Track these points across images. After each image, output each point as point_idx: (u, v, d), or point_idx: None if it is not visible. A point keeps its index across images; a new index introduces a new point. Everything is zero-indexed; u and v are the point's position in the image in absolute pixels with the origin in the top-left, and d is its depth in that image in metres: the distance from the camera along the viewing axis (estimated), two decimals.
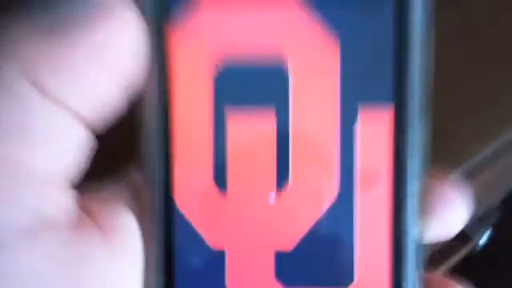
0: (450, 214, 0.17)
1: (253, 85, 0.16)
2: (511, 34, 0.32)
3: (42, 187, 0.14)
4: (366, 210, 0.16)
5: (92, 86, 0.14)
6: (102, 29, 0.14)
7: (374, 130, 0.16)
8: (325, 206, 0.16)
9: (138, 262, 0.16)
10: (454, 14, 0.31)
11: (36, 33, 0.13)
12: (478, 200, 0.18)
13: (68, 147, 0.14)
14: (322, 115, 0.16)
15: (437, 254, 0.45)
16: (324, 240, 0.16)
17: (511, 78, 0.31)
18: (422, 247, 0.16)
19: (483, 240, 0.53)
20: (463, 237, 0.50)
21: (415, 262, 0.16)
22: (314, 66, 0.16)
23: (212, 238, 0.16)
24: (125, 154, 0.16)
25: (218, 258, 0.16)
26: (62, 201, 0.15)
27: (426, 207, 0.16)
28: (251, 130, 0.16)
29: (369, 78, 0.15)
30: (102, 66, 0.14)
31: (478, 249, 0.53)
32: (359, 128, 0.16)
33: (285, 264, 0.16)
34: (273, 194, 0.16)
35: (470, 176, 0.29)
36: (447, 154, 0.28)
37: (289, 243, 0.16)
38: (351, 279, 0.16)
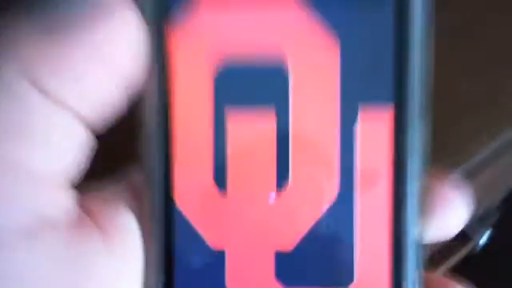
0: (450, 214, 0.17)
1: (253, 85, 0.16)
2: (511, 35, 0.32)
3: (41, 187, 0.14)
4: (366, 210, 0.16)
5: (92, 86, 0.14)
6: (101, 29, 0.14)
7: (374, 130, 0.16)
8: (325, 206, 0.16)
9: (137, 261, 0.16)
10: (454, 13, 0.31)
11: (35, 33, 0.13)
12: (478, 200, 0.18)
13: (68, 147, 0.14)
14: (321, 115, 0.16)
15: (437, 254, 0.45)
16: (324, 240, 0.16)
17: (511, 78, 0.31)
18: (421, 247, 0.16)
19: (483, 240, 0.53)
20: (463, 237, 0.50)
21: (415, 262, 0.16)
22: (314, 65, 0.16)
23: (212, 238, 0.16)
24: (125, 154, 0.16)
25: (218, 258, 0.16)
26: (61, 201, 0.15)
27: (426, 207, 0.16)
28: (251, 130, 0.16)
29: (369, 78, 0.15)
30: (101, 65, 0.14)
31: (478, 249, 0.53)
32: (359, 128, 0.16)
33: (285, 264, 0.16)
34: (273, 194, 0.16)
35: (470, 176, 0.29)
36: (447, 154, 0.28)
37: (289, 243, 0.16)
38: (351, 279, 0.16)
